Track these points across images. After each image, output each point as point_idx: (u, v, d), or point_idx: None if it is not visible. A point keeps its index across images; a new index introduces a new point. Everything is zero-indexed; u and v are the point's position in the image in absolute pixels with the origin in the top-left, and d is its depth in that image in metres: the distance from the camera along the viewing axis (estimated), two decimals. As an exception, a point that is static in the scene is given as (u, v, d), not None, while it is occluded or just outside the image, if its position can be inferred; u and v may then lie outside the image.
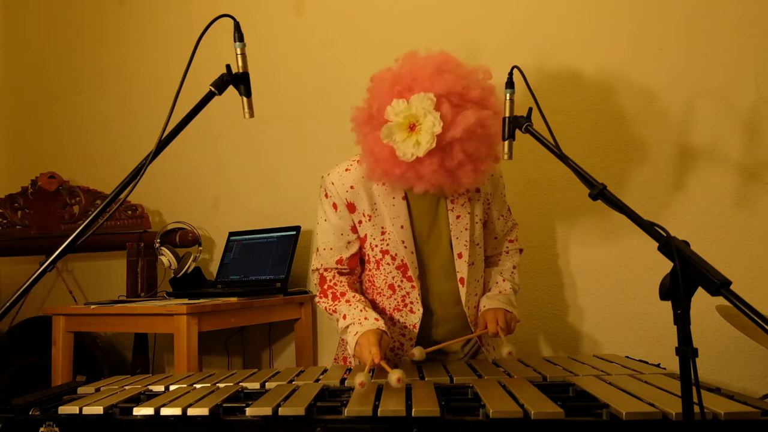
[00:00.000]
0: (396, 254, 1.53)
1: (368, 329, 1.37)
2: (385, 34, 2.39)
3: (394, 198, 1.52)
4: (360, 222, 1.56)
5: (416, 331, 1.56)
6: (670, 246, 0.89)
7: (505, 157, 1.45)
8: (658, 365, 1.38)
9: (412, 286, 1.54)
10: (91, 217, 1.21)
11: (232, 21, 1.32)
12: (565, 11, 2.13)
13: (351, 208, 1.55)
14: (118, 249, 2.70)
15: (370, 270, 1.60)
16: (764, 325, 0.79)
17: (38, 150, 3.25)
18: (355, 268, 1.61)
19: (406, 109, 1.31)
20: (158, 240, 2.58)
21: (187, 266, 2.51)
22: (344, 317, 1.46)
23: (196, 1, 2.81)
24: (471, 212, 1.57)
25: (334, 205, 1.55)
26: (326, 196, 1.56)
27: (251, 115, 1.39)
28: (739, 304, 0.82)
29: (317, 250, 1.61)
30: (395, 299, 1.57)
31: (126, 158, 2.85)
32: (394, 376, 1.11)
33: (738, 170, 1.92)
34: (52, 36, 3.25)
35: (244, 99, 1.37)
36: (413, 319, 1.56)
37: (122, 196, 1.25)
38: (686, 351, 0.83)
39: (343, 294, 1.54)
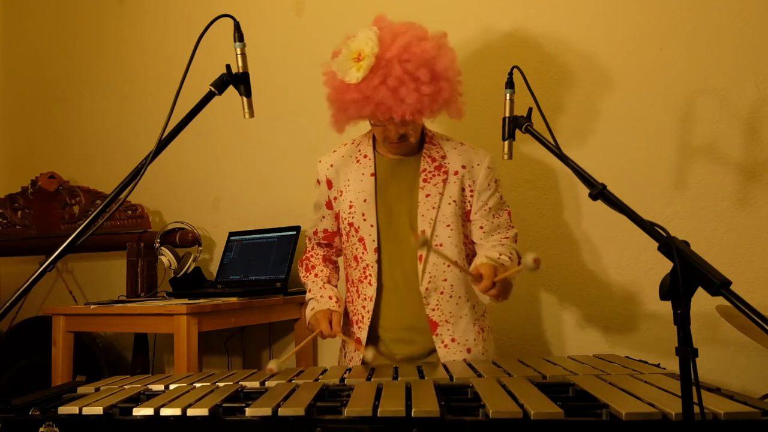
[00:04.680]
0: (359, 227, 1.62)
1: (321, 308, 1.59)
2: (385, 34, 2.38)
3: (363, 174, 1.64)
4: (335, 198, 1.69)
5: (372, 303, 1.60)
6: (670, 246, 0.89)
7: (505, 157, 1.47)
8: (658, 365, 1.38)
9: (371, 258, 1.60)
10: (91, 217, 1.21)
11: (232, 21, 1.33)
12: (565, 11, 2.12)
13: (329, 184, 1.70)
14: (118, 249, 2.70)
15: (342, 243, 1.72)
16: (764, 325, 0.79)
17: (38, 150, 3.26)
18: (332, 242, 1.77)
19: (350, 42, 1.46)
20: (158, 240, 2.58)
21: (187, 266, 2.51)
22: (309, 291, 1.70)
23: (196, 1, 2.81)
24: (442, 193, 1.60)
25: (318, 182, 1.73)
26: (317, 173, 1.73)
27: (251, 115, 1.39)
28: (739, 304, 0.82)
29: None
30: (359, 270, 1.64)
31: (126, 158, 2.85)
32: (369, 354, 1.39)
33: (738, 170, 1.91)
34: (52, 36, 3.25)
35: (244, 99, 1.37)
36: (370, 291, 1.61)
37: (122, 196, 1.25)
38: (686, 351, 0.83)
39: (313, 267, 1.75)
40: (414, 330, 1.61)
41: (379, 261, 1.61)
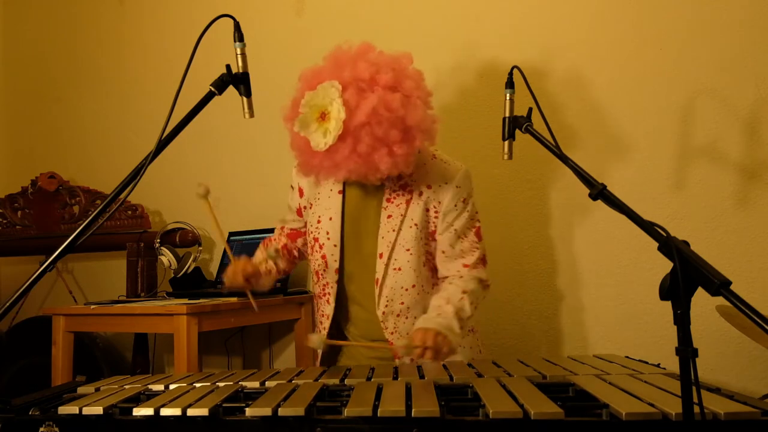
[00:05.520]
0: (323, 244, 1.59)
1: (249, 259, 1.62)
2: (385, 35, 2.38)
3: (331, 191, 1.60)
4: (305, 207, 1.68)
5: (329, 321, 1.60)
6: (669, 246, 0.89)
7: (505, 157, 1.46)
8: (658, 365, 1.38)
9: (331, 278, 1.59)
10: (91, 217, 1.21)
11: (232, 21, 1.33)
12: (565, 11, 2.13)
13: (300, 192, 1.69)
14: (118, 249, 2.70)
15: (308, 255, 1.70)
16: (764, 325, 0.79)
17: (38, 150, 3.25)
18: (294, 240, 1.76)
19: (311, 99, 1.36)
20: (158, 240, 2.58)
21: (187, 266, 2.51)
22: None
23: (196, 1, 2.81)
24: (404, 215, 1.53)
25: (292, 187, 1.72)
26: (292, 179, 1.72)
27: (251, 115, 1.39)
28: (739, 304, 0.82)
29: None
30: (319, 286, 1.64)
31: (126, 158, 2.85)
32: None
33: (738, 170, 1.92)
34: (52, 36, 3.25)
35: (244, 99, 1.37)
36: (328, 309, 1.61)
37: (122, 196, 1.25)
38: (686, 351, 0.83)
39: (270, 242, 1.77)
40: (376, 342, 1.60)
41: (339, 281, 1.58)
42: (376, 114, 1.33)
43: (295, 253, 1.79)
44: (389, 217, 1.54)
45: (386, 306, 1.55)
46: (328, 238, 1.58)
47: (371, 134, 1.35)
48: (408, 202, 1.54)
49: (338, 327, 1.65)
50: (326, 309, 1.61)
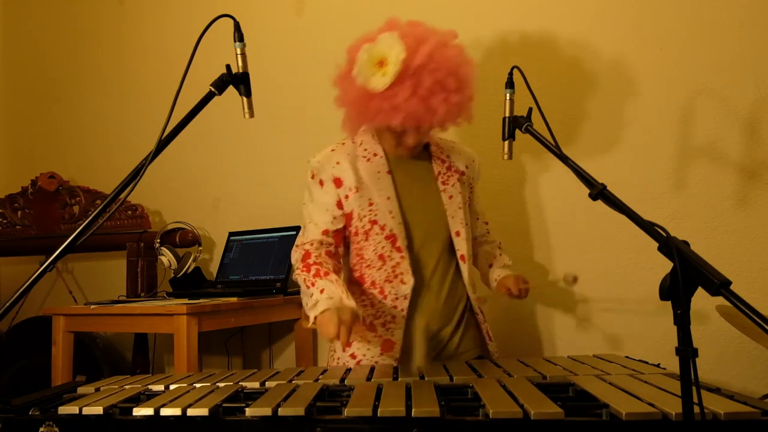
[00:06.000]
0: (385, 225, 1.56)
1: (348, 305, 1.37)
2: (385, 34, 2.39)
3: (379, 173, 1.58)
4: (347, 196, 1.57)
5: (407, 301, 1.56)
6: (669, 246, 0.89)
7: (505, 157, 1.48)
8: (658, 365, 1.38)
9: (402, 257, 1.56)
10: (91, 217, 1.21)
11: (232, 21, 1.33)
12: (565, 11, 2.13)
13: (338, 182, 1.58)
14: (118, 249, 2.70)
15: (358, 242, 1.59)
16: (764, 325, 0.80)
17: (38, 150, 3.26)
18: (340, 245, 1.62)
19: (371, 48, 1.41)
20: (158, 240, 2.58)
21: (187, 266, 2.51)
22: (322, 291, 1.42)
23: (196, 1, 2.81)
24: (462, 193, 1.65)
25: (321, 182, 1.59)
26: (312, 176, 1.61)
27: (251, 115, 1.39)
28: (739, 304, 0.82)
29: (302, 229, 1.65)
30: (385, 270, 1.57)
31: (126, 158, 2.86)
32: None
33: (738, 170, 1.91)
34: (52, 36, 3.25)
35: (244, 99, 1.37)
36: (405, 289, 1.56)
37: (122, 196, 1.25)
38: (686, 351, 0.83)
39: (327, 274, 1.49)
40: (450, 324, 1.63)
41: (413, 258, 1.57)
42: (434, 58, 1.40)
43: (338, 259, 1.63)
44: (450, 197, 1.62)
45: (470, 276, 1.65)
46: (392, 217, 1.55)
47: (433, 77, 1.40)
48: (459, 181, 1.66)
49: (413, 307, 1.58)
50: (402, 289, 1.55)
